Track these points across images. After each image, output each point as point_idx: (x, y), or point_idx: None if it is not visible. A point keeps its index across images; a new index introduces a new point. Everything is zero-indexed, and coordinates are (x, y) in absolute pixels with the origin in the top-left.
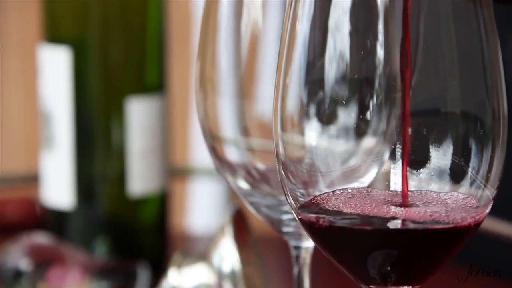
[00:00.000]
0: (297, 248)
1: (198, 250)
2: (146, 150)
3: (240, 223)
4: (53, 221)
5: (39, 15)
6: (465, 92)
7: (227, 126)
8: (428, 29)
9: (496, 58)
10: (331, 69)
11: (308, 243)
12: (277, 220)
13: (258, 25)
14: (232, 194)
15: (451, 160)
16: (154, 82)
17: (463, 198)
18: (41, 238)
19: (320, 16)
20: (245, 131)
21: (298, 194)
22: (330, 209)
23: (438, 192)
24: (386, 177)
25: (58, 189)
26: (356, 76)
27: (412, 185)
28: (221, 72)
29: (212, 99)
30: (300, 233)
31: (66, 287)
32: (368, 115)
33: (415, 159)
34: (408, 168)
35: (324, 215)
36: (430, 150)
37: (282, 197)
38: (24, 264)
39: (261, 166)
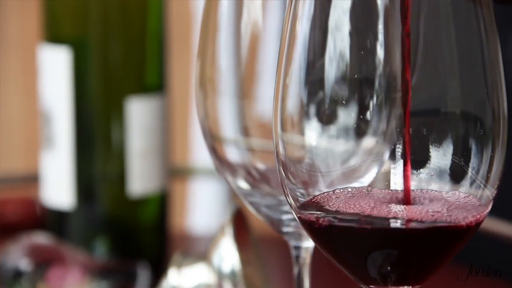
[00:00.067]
0: (297, 248)
1: (198, 250)
2: (146, 150)
3: (240, 223)
4: (53, 221)
5: (39, 15)
6: (465, 92)
7: (227, 126)
8: (428, 29)
9: (496, 58)
10: (331, 69)
11: (308, 243)
12: (277, 220)
13: (258, 25)
14: (232, 194)
15: (451, 160)
16: (154, 82)
17: (465, 197)
18: (41, 238)
19: (320, 16)
20: (245, 131)
21: (298, 194)
22: (330, 208)
23: (439, 191)
24: (386, 177)
25: (58, 189)
26: (356, 76)
27: (412, 185)
28: (221, 72)
29: (212, 99)
30: (300, 233)
31: (66, 287)
32: (368, 115)
33: (415, 159)
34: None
35: (324, 215)
36: (430, 150)
37: (282, 197)
38: (24, 264)
39: (261, 166)
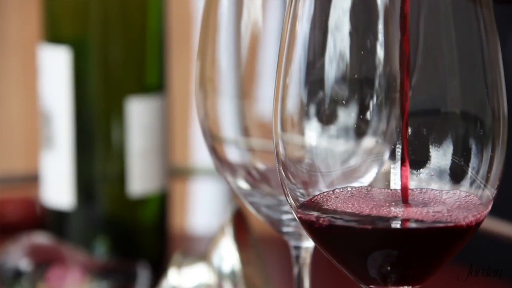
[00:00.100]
0: (297, 248)
1: (198, 250)
2: (146, 150)
3: (240, 223)
4: (53, 221)
5: (39, 15)
6: (465, 92)
7: (227, 126)
8: (428, 29)
9: (496, 58)
10: (331, 69)
11: (308, 243)
12: (277, 220)
13: (258, 25)
14: (232, 194)
15: (451, 160)
16: (154, 82)
17: (465, 196)
18: (41, 238)
19: (320, 16)
20: (245, 131)
21: (298, 194)
22: (330, 208)
23: (439, 191)
24: (386, 177)
25: (58, 189)
26: (356, 76)
27: (412, 185)
28: (221, 72)
29: (212, 99)
30: (300, 233)
31: (66, 287)
32: (368, 115)
33: (415, 159)
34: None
35: (324, 215)
36: (430, 150)
37: (282, 197)
38: (24, 264)
39: (261, 166)
